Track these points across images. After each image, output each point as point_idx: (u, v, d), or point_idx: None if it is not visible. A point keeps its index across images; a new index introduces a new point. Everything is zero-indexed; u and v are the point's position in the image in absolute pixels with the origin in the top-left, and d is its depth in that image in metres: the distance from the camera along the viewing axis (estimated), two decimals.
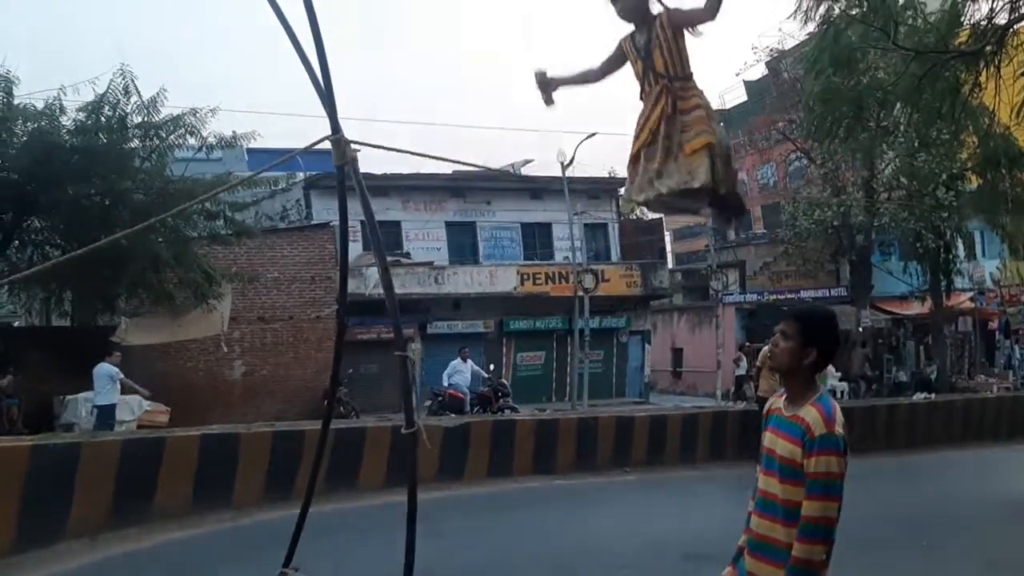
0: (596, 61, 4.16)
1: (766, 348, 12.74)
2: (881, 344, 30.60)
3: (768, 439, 3.17)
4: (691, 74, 3.97)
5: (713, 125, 3.93)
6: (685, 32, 3.90)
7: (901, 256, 29.10)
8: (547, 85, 4.19)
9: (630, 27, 4.03)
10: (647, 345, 29.80)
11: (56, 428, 15.25)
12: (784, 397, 3.21)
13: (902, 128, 20.52)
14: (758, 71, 33.01)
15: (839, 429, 2.99)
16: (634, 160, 4.06)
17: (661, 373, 34.66)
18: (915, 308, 30.03)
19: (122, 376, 14.37)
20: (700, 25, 3.86)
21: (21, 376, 16.08)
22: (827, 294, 31.07)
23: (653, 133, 3.95)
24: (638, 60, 3.99)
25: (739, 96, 38.53)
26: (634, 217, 32.44)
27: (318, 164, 21.10)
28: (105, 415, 14.22)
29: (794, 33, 22.33)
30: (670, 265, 37.17)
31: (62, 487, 8.03)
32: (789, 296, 30.98)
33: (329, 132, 4.42)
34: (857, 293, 28.17)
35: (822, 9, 16.39)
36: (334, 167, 4.50)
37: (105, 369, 14.27)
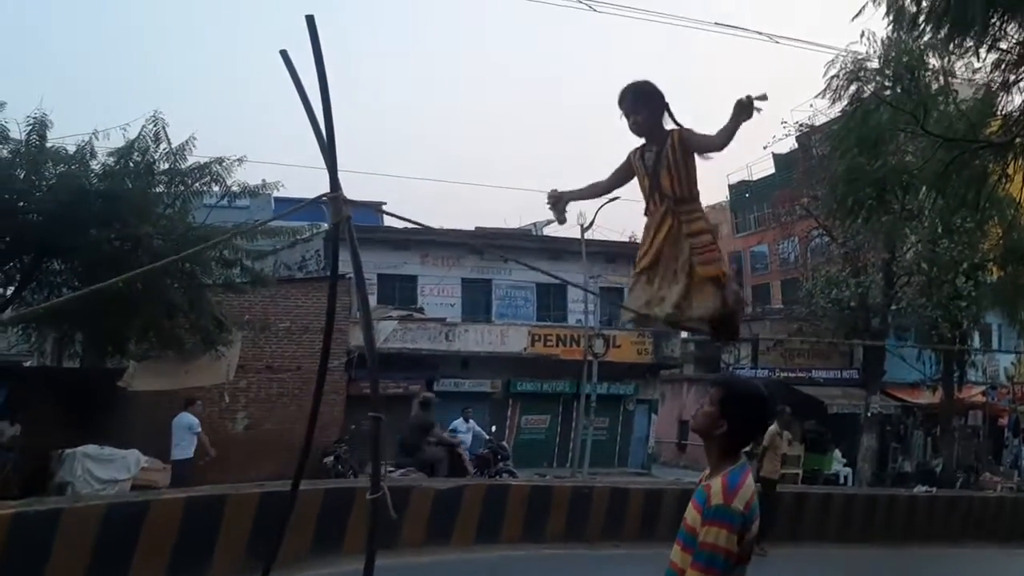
0: (604, 174, 4.28)
1: (773, 427, 12.50)
2: (888, 431, 30.07)
3: (687, 508, 3.10)
4: (697, 195, 4.02)
5: (719, 253, 4.02)
6: (695, 154, 3.95)
7: (916, 343, 28.74)
8: (559, 202, 4.30)
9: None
10: (653, 415, 29.39)
11: (50, 489, 13.83)
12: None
13: (926, 213, 20.38)
14: (787, 144, 33.05)
15: (738, 504, 2.87)
16: (638, 274, 4.17)
17: (666, 445, 34.16)
18: (926, 397, 29.55)
19: (200, 430, 13.79)
20: (710, 152, 3.90)
21: (20, 426, 15.22)
22: (839, 375, 30.74)
23: (657, 255, 4.02)
24: (645, 176, 4.03)
25: (767, 168, 38.71)
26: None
27: None
28: (183, 470, 13.40)
29: (824, 110, 22.31)
30: (683, 334, 36.78)
31: (33, 563, 7.19)
32: (800, 375, 30.65)
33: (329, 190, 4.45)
34: (869, 376, 27.74)
35: (852, 89, 16.41)
36: (330, 224, 4.57)
37: (186, 420, 13.74)
